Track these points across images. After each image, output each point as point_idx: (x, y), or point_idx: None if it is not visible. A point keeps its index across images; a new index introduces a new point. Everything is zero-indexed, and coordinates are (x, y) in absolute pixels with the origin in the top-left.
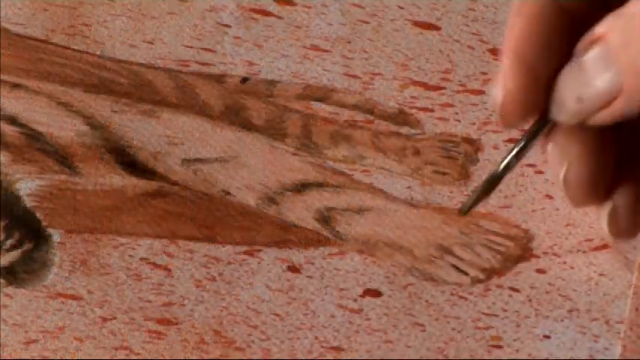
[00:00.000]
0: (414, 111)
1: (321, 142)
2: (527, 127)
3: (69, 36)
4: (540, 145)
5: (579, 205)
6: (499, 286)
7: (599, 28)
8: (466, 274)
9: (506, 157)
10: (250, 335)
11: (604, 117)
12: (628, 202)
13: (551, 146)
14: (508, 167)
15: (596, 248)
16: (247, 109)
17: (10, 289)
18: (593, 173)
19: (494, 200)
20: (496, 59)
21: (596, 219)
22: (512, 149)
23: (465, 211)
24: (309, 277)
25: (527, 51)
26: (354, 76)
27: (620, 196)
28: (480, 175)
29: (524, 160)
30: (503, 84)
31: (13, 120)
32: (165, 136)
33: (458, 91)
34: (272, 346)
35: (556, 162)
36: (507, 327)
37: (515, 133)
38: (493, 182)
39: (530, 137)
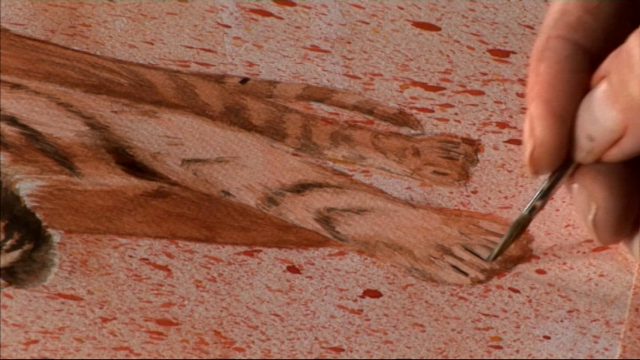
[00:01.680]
0: (414, 111)
1: (321, 143)
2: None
3: (69, 36)
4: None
5: (609, 243)
6: (499, 287)
7: (603, 66)
8: (466, 274)
9: (531, 200)
10: (250, 335)
11: (615, 154)
12: None
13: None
14: (534, 210)
15: (596, 249)
16: (247, 110)
17: (10, 290)
18: (621, 212)
19: (494, 201)
20: (496, 60)
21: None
22: (538, 191)
23: (494, 257)
24: (309, 277)
25: (554, 96)
26: (354, 77)
27: None
28: (479, 175)
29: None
30: (532, 133)
31: (13, 120)
32: (165, 136)
33: (458, 92)
34: (272, 347)
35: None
36: (507, 327)
37: (516, 134)
38: (521, 226)
39: (555, 179)
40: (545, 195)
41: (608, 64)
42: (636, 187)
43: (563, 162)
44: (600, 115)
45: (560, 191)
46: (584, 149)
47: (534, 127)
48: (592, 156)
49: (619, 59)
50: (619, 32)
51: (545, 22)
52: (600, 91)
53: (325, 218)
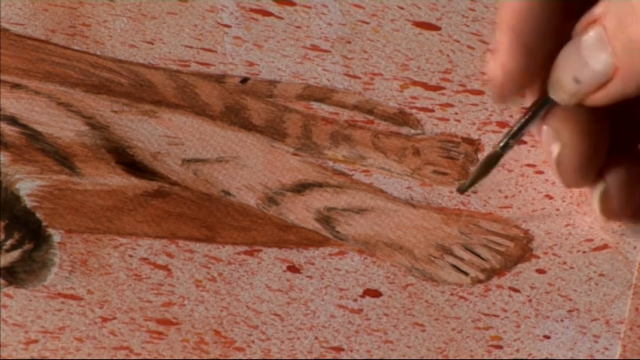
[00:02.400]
0: (414, 111)
1: (321, 142)
2: (526, 106)
3: (69, 36)
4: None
5: (571, 186)
6: (499, 287)
7: (596, 10)
8: (466, 274)
9: (505, 136)
10: (250, 335)
11: (600, 98)
12: (619, 183)
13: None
14: (507, 146)
15: (596, 248)
16: (247, 110)
17: (10, 289)
18: (585, 154)
19: (494, 200)
20: None
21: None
22: (511, 128)
23: (464, 189)
24: (309, 277)
25: (526, 29)
26: (354, 77)
27: (611, 177)
28: None
29: (525, 157)
30: (500, 62)
31: (13, 120)
32: (165, 136)
33: (458, 92)
34: (272, 346)
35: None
36: (507, 327)
37: None
38: (492, 161)
39: (529, 117)
40: (518, 132)
41: (604, 8)
42: (602, 132)
43: (538, 101)
44: (590, 58)
45: (561, 191)
46: (569, 91)
47: (500, 54)
48: (576, 98)
49: (615, 3)
50: None
51: None
52: (592, 34)
53: (325, 218)
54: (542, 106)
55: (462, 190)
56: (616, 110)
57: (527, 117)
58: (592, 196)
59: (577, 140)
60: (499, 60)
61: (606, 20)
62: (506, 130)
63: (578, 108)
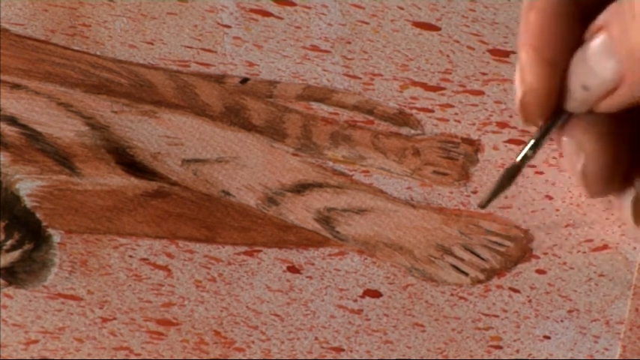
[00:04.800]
0: (414, 111)
1: (321, 143)
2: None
3: (69, 36)
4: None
5: (597, 196)
6: (499, 287)
7: (602, 17)
8: (466, 274)
9: (523, 149)
10: (250, 335)
11: (609, 105)
12: None
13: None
14: (526, 158)
15: (596, 249)
16: (247, 110)
17: (10, 290)
18: (610, 163)
19: (494, 201)
20: (496, 60)
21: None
22: (530, 141)
23: (485, 204)
24: (309, 277)
25: (544, 44)
26: (354, 77)
27: None
28: (479, 175)
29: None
30: (522, 79)
31: (13, 120)
32: (165, 136)
33: (458, 92)
34: (272, 347)
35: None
36: (507, 327)
37: (516, 134)
38: (512, 174)
39: (547, 128)
40: (537, 145)
41: (608, 15)
42: (625, 139)
43: (554, 112)
44: (597, 66)
45: (561, 191)
46: (578, 99)
47: (524, 73)
48: (585, 106)
49: (620, 9)
50: None
51: None
52: (598, 42)
53: (325, 218)
54: (557, 116)
55: (482, 206)
56: (637, 115)
57: (544, 128)
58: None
59: (600, 149)
60: (526, 82)
61: (611, 27)
62: (525, 142)
63: (598, 117)
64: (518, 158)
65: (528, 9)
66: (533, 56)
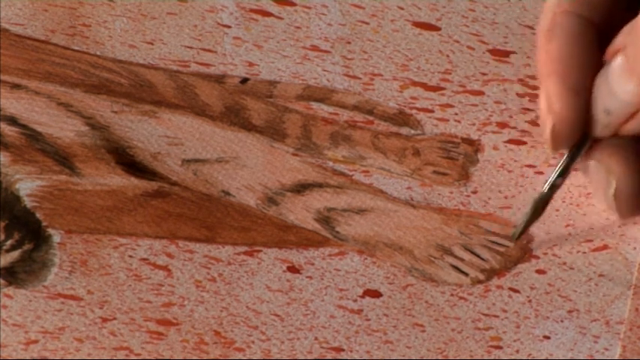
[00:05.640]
0: (414, 111)
1: (321, 143)
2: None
3: (69, 36)
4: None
5: (629, 217)
6: (499, 287)
7: (619, 39)
8: (466, 274)
9: (550, 177)
10: (250, 335)
11: (633, 127)
12: None
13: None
14: (554, 187)
15: (596, 249)
16: (247, 110)
17: (10, 290)
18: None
19: (494, 201)
20: (496, 60)
21: None
22: (557, 168)
23: (517, 236)
24: (309, 277)
25: (569, 72)
26: (354, 77)
27: None
28: (479, 175)
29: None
30: (550, 109)
31: (13, 120)
32: (165, 136)
33: (458, 92)
34: (272, 347)
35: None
36: (507, 327)
37: (516, 135)
38: (541, 203)
39: (573, 155)
40: (565, 172)
41: (624, 37)
42: None
43: (580, 138)
44: (617, 89)
45: (560, 191)
46: (602, 123)
47: (552, 103)
48: (609, 130)
49: (634, 32)
50: (623, 3)
51: (549, 0)
52: (616, 65)
53: (325, 218)
54: (583, 142)
55: (515, 239)
56: None
57: (570, 154)
58: None
59: (630, 173)
60: (555, 111)
61: (627, 49)
62: (552, 170)
63: (624, 140)
64: (546, 187)
65: (548, 37)
66: (560, 85)
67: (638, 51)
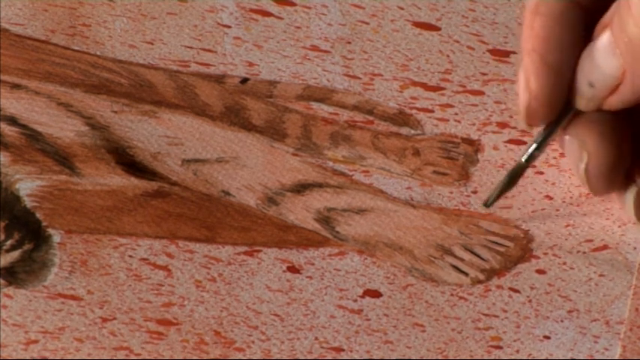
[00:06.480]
0: (414, 111)
1: (321, 143)
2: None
3: (69, 36)
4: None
5: (600, 194)
6: (499, 287)
7: (606, 16)
8: (466, 274)
9: (528, 148)
10: (250, 335)
11: (615, 101)
12: None
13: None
14: (531, 158)
15: (596, 249)
16: (247, 110)
17: (10, 290)
18: (612, 161)
19: (499, 200)
20: (496, 60)
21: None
22: (535, 140)
23: (490, 203)
24: (309, 277)
25: (549, 50)
26: (354, 77)
27: None
28: (479, 175)
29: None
30: (527, 86)
31: (13, 120)
32: (165, 136)
33: (458, 92)
34: (272, 347)
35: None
36: (507, 327)
37: (516, 134)
38: (517, 173)
39: (552, 128)
40: (542, 144)
41: (611, 13)
42: (627, 137)
43: (560, 112)
44: (602, 62)
45: (561, 191)
46: (585, 96)
47: (529, 81)
48: (593, 103)
49: (620, 4)
50: None
51: None
52: (603, 39)
53: (325, 218)
54: (564, 115)
55: (487, 205)
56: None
57: (549, 128)
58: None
59: (603, 148)
60: (531, 89)
61: (613, 23)
62: (530, 141)
63: (600, 115)
64: (524, 157)
65: (533, 14)
66: (538, 63)
67: (623, 25)
